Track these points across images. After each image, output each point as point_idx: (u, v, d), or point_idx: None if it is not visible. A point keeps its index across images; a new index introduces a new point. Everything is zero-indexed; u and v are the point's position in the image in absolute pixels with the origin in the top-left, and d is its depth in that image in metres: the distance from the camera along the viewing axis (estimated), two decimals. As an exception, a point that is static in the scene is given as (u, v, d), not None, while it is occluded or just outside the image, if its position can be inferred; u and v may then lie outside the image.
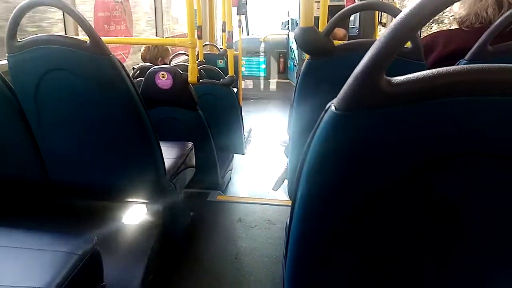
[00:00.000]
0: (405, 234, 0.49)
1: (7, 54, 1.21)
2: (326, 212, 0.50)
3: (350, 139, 0.43)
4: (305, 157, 0.49)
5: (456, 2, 0.37)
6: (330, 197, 0.48)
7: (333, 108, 0.43)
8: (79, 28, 2.34)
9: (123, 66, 1.18)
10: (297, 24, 4.73)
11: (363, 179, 0.46)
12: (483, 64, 0.38)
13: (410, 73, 0.40)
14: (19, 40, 1.20)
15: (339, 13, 1.15)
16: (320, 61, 1.12)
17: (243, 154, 2.88)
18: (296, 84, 1.20)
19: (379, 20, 3.95)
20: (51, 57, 1.17)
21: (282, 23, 5.74)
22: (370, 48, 0.40)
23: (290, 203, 2.00)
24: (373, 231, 0.49)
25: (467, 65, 0.38)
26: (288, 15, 5.47)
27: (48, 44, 1.16)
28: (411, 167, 0.43)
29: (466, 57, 1.11)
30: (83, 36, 1.62)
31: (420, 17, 0.37)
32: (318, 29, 1.18)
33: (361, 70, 0.40)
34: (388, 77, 0.40)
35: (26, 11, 1.20)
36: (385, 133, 0.42)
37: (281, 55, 5.58)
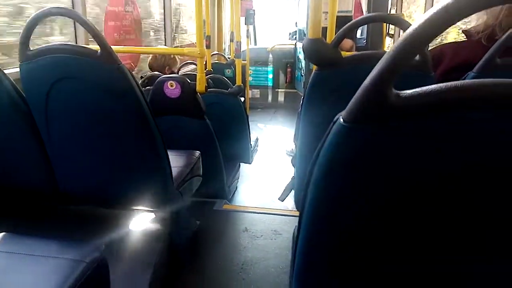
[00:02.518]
0: (414, 245, 0.49)
1: (19, 63, 1.23)
2: (334, 222, 0.50)
3: (358, 151, 0.43)
4: (313, 167, 0.50)
5: (466, 16, 0.37)
6: (338, 208, 0.49)
7: (341, 120, 0.43)
8: (90, 37, 2.38)
9: (132, 76, 1.20)
10: (304, 34, 4.75)
11: (371, 191, 0.46)
12: (493, 79, 0.38)
13: (418, 85, 0.40)
14: (31, 49, 1.22)
15: (348, 24, 1.15)
16: (328, 72, 1.12)
17: (250, 163, 2.88)
18: (304, 95, 1.21)
19: (387, 31, 3.96)
20: (62, 65, 1.19)
21: (290, 33, 5.77)
22: (379, 61, 0.40)
23: (297, 213, 1.98)
24: (382, 241, 0.49)
25: (477, 80, 0.38)
26: (296, 26, 5.51)
27: (59, 53, 1.18)
28: (418, 180, 0.43)
29: (474, 69, 1.11)
30: (93, 45, 1.65)
31: (430, 31, 0.37)
32: (325, 39, 1.19)
33: (370, 83, 0.40)
34: (397, 90, 0.40)
35: (39, 20, 1.22)
36: (393, 146, 0.42)
37: (288, 65, 5.60)
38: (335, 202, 0.48)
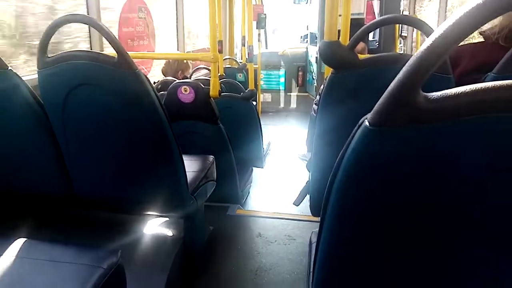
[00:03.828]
0: (442, 254, 0.48)
1: (37, 70, 1.24)
2: (360, 228, 0.49)
3: (386, 154, 0.42)
4: (336, 172, 0.48)
5: (497, 16, 0.36)
6: (363, 213, 0.48)
7: (367, 123, 0.43)
8: (104, 44, 2.41)
9: (149, 81, 1.20)
10: (316, 37, 4.74)
11: (398, 196, 0.45)
12: None
13: (438, 87, 0.40)
14: (49, 56, 1.23)
15: (364, 27, 1.14)
16: (344, 75, 1.11)
17: (262, 168, 2.87)
18: (320, 98, 1.20)
19: (400, 33, 3.92)
20: (79, 72, 1.20)
21: (301, 36, 5.77)
22: (407, 63, 0.39)
23: (311, 217, 1.97)
24: (408, 249, 0.48)
25: (506, 81, 0.37)
26: (307, 29, 5.50)
27: (77, 59, 1.19)
28: (449, 184, 0.42)
29: (494, 70, 1.09)
30: (108, 51, 1.66)
31: (460, 31, 0.36)
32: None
33: (398, 85, 0.39)
34: (425, 93, 0.39)
35: (57, 27, 1.24)
36: (423, 149, 0.41)
37: (299, 69, 5.59)
38: (360, 207, 0.47)
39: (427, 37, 0.39)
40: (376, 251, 0.49)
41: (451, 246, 0.47)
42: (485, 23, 0.37)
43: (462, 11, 0.36)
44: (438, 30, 0.37)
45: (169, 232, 1.61)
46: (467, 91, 0.38)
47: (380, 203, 0.45)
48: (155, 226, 1.63)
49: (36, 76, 1.26)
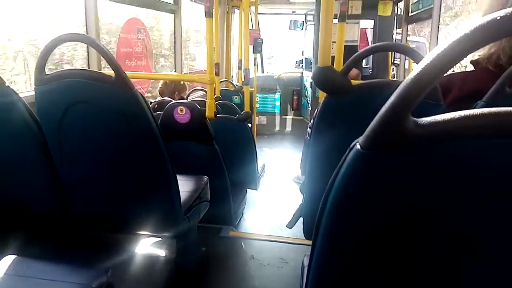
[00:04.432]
0: (439, 280, 0.48)
1: (34, 87, 1.26)
2: (351, 251, 0.49)
3: (376, 178, 0.43)
4: (328, 195, 0.49)
5: (486, 45, 0.38)
6: (354, 237, 0.48)
7: (358, 146, 0.43)
8: (102, 64, 2.43)
9: (145, 101, 1.22)
10: (311, 63, 4.83)
11: (389, 220, 0.45)
12: (508, 107, 0.38)
13: (429, 114, 0.41)
14: (46, 73, 1.25)
15: (358, 53, 1.17)
16: (337, 100, 1.13)
17: (256, 190, 2.87)
18: (313, 122, 1.22)
19: (393, 61, 4.01)
20: (76, 90, 1.21)
21: (296, 61, 5.87)
22: (398, 88, 0.40)
23: (304, 241, 1.95)
24: (401, 274, 0.48)
25: (499, 108, 0.39)
26: (302, 54, 5.60)
27: (74, 77, 1.20)
28: (438, 208, 0.43)
29: (484, 98, 1.11)
30: (106, 70, 1.69)
31: (450, 58, 0.38)
32: None
33: (389, 110, 0.41)
34: (415, 118, 0.41)
35: (56, 45, 1.26)
36: (413, 174, 0.42)
37: (294, 93, 5.66)
38: (351, 230, 0.48)
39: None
40: (368, 276, 0.49)
41: (449, 272, 0.47)
42: (474, 51, 0.38)
43: (452, 39, 0.38)
44: (428, 57, 0.39)
45: (161, 252, 1.59)
46: (456, 117, 0.40)
47: (371, 227, 0.46)
48: (147, 246, 1.62)
49: (33, 93, 1.27)
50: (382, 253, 0.47)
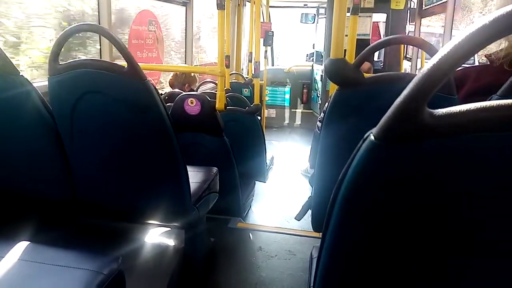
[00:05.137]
0: (447, 269, 0.48)
1: (48, 76, 1.27)
2: (362, 243, 0.49)
3: (390, 169, 0.43)
4: (339, 186, 0.49)
5: (500, 38, 0.37)
6: (365, 228, 0.48)
7: (372, 137, 0.43)
8: (114, 54, 2.45)
9: (157, 91, 1.22)
10: (321, 56, 4.80)
11: (402, 212, 0.45)
12: None
13: (441, 107, 0.40)
14: (60, 63, 1.26)
15: (371, 45, 1.16)
16: (349, 92, 1.13)
17: (265, 182, 2.88)
18: (323, 115, 1.21)
19: (405, 55, 3.96)
20: (89, 79, 1.22)
21: (307, 55, 5.83)
22: (413, 80, 0.40)
23: (312, 233, 1.96)
24: (411, 266, 0.48)
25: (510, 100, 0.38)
26: (313, 47, 5.57)
27: (87, 67, 1.21)
28: (452, 199, 0.43)
29: (499, 92, 1.10)
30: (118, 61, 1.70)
31: (467, 49, 0.37)
32: None
33: (403, 101, 0.40)
34: (430, 109, 0.40)
35: (70, 36, 1.27)
36: (426, 165, 0.42)
37: (304, 86, 5.64)
38: (363, 222, 0.48)
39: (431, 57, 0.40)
40: (378, 268, 0.49)
41: (457, 261, 0.47)
42: (489, 44, 0.38)
43: (466, 32, 0.37)
44: (444, 49, 0.39)
45: (170, 242, 1.61)
46: (472, 108, 0.39)
47: (383, 219, 0.46)
48: (156, 235, 1.63)
49: (46, 82, 1.28)
50: (393, 246, 0.47)
